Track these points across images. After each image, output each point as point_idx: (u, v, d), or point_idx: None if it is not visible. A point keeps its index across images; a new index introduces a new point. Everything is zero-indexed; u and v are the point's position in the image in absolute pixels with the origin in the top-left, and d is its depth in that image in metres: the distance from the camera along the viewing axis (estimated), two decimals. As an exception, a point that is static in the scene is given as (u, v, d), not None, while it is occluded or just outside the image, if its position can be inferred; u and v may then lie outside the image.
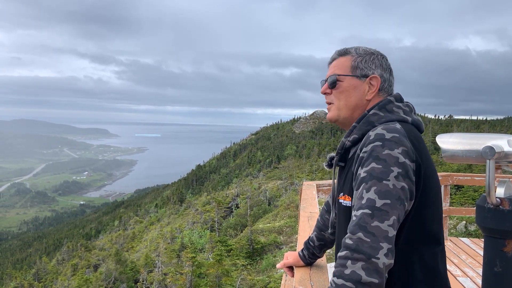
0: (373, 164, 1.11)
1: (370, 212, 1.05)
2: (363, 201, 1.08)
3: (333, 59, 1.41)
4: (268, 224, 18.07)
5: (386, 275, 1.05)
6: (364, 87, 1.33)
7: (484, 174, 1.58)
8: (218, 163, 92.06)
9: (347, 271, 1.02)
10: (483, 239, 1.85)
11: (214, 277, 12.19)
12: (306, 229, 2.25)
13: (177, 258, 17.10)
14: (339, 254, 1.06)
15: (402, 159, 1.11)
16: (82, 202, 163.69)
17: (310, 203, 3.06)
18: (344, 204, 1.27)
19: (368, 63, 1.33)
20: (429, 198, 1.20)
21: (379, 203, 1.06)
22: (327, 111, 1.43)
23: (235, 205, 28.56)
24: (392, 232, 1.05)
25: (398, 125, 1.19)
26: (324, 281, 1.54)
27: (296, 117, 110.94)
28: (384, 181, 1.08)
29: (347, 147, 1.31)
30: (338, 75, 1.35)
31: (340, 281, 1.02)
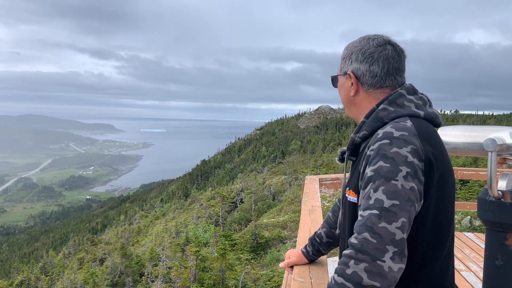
0: (381, 163, 1.05)
1: (378, 212, 1.00)
2: (371, 201, 1.03)
3: None
4: (272, 219, 18.12)
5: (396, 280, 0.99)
6: (347, 84, 1.31)
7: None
8: (223, 158, 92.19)
9: (349, 271, 0.99)
10: (485, 233, 1.84)
11: (218, 271, 12.26)
12: (307, 223, 2.25)
13: (181, 252, 17.21)
14: (344, 252, 1.03)
15: (410, 158, 1.05)
16: (88, 197, 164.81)
17: (312, 197, 3.05)
18: (349, 200, 1.24)
19: (345, 60, 1.32)
20: (444, 198, 1.14)
21: (387, 203, 1.01)
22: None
23: (239, 200, 28.63)
24: (401, 235, 1.00)
25: (409, 123, 1.13)
26: (323, 273, 1.53)
27: (300, 112, 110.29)
28: (392, 181, 1.03)
29: (357, 143, 1.27)
30: (333, 76, 1.39)
31: (340, 280, 1.00)
